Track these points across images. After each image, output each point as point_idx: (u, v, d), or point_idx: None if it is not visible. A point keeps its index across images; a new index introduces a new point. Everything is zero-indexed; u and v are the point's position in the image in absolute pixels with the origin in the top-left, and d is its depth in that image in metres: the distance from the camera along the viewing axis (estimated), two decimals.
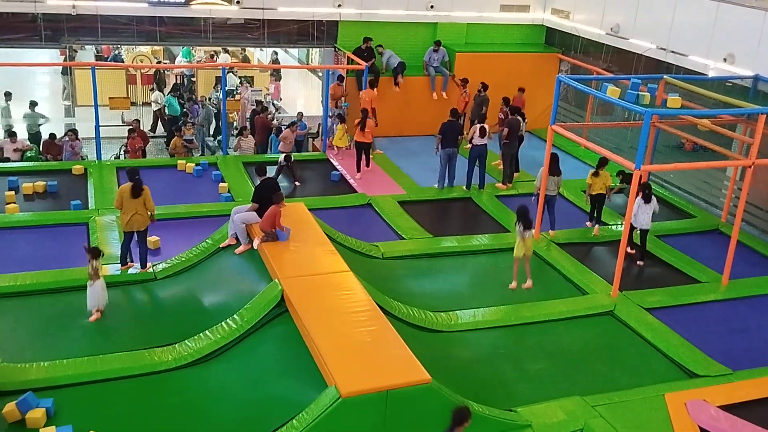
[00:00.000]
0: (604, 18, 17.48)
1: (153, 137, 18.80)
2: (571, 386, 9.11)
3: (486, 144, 14.82)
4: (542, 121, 17.58)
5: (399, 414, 7.58)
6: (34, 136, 17.05)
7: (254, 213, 10.58)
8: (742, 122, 13.52)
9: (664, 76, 13.11)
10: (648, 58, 16.30)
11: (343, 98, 17.50)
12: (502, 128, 15.45)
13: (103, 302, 9.67)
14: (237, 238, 10.72)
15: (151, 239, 11.89)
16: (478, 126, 14.86)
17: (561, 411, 8.50)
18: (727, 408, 8.81)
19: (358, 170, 15.62)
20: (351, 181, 15.28)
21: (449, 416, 6.82)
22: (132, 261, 10.88)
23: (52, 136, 16.10)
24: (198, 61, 23.04)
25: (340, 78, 16.91)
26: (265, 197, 10.45)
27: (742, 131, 13.80)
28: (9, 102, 18.02)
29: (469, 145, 14.94)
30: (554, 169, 12.90)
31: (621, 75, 15.87)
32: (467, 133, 15.32)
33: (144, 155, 16.59)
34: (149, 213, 10.69)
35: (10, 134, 15.96)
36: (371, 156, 16.12)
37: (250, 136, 16.98)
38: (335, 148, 16.78)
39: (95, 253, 9.57)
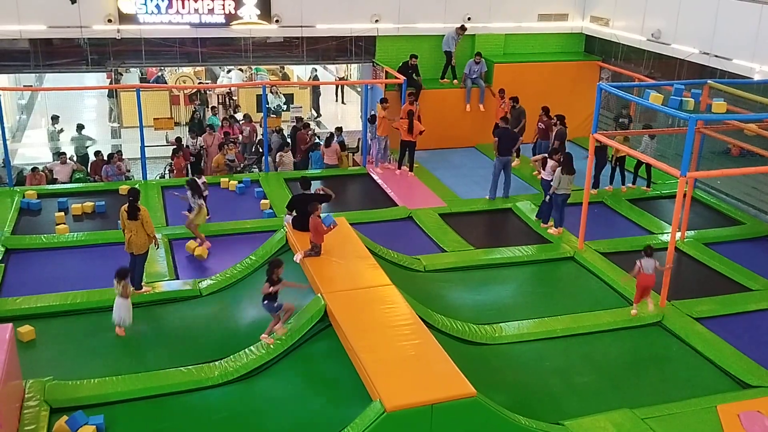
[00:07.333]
0: (644, 24, 17.27)
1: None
2: (619, 399, 8.95)
3: (550, 180, 13.43)
4: (583, 129, 17.41)
5: (444, 428, 7.53)
6: (82, 159, 17.50)
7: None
8: None
9: (708, 81, 12.88)
10: (691, 63, 16.04)
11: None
12: (539, 138, 15.40)
13: (124, 320, 9.67)
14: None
15: (200, 248, 12.11)
16: (550, 162, 13.68)
17: (610, 424, 8.34)
18: None
19: (399, 167, 16.53)
20: (391, 194, 15.33)
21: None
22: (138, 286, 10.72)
23: (97, 153, 16.51)
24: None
25: (383, 101, 16.88)
26: (300, 210, 10.82)
27: None
28: (56, 125, 18.52)
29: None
30: (570, 168, 12.94)
31: (663, 81, 15.64)
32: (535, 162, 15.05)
33: (188, 173, 16.86)
34: (149, 236, 10.63)
35: (60, 154, 16.43)
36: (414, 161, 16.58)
37: (290, 153, 17.18)
38: None
39: (120, 274, 9.64)
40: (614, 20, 18.50)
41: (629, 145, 14.54)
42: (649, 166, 15.53)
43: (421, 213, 14.22)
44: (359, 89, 23.36)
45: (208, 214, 13.11)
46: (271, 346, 8.99)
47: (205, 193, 12.91)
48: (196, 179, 12.86)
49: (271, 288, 9.01)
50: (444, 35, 18.44)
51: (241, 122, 18.88)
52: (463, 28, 18.26)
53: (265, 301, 9.10)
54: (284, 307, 9.17)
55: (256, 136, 18.49)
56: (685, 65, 16.37)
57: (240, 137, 18.05)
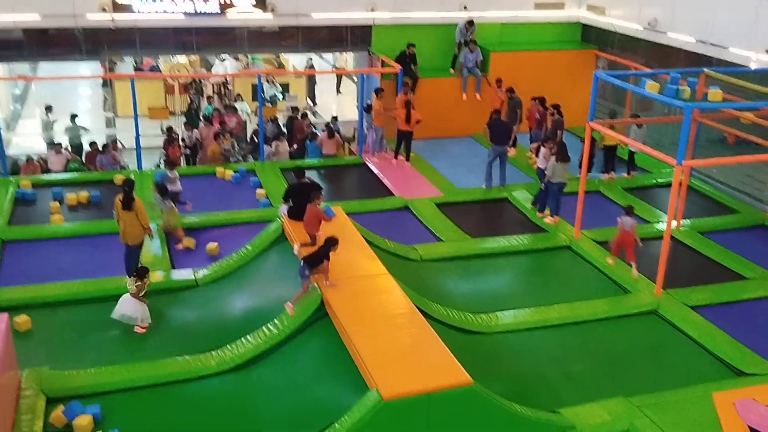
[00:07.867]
0: (641, 12, 17.23)
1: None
2: (615, 387, 8.98)
3: (545, 168, 13.59)
4: (579, 118, 17.38)
5: (441, 416, 7.55)
6: (76, 148, 17.44)
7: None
8: None
9: (704, 70, 12.87)
10: (687, 51, 16.01)
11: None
12: (535, 128, 15.45)
13: (133, 318, 9.65)
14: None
15: (211, 246, 12.07)
16: (542, 150, 14.01)
17: (605, 412, 8.38)
18: None
19: (396, 156, 16.57)
20: (387, 183, 15.31)
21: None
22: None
23: (92, 143, 16.45)
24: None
25: (378, 91, 16.81)
26: (297, 200, 10.78)
27: None
28: (50, 115, 18.44)
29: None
30: (565, 155, 12.94)
31: (660, 70, 15.62)
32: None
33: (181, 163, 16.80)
34: (144, 227, 10.64)
35: (55, 144, 16.35)
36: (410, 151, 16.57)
37: (285, 142, 17.13)
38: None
39: (140, 274, 9.69)
40: (611, 9, 18.46)
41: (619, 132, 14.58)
42: (631, 153, 15.63)
43: (418, 202, 14.22)
44: (355, 78, 23.29)
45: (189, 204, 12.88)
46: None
47: (178, 187, 12.54)
48: (165, 183, 12.53)
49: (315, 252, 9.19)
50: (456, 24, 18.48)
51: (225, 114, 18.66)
52: (471, 23, 18.21)
53: (302, 264, 9.16)
54: (303, 285, 9.19)
55: (243, 128, 18.35)
56: (681, 54, 16.34)
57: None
